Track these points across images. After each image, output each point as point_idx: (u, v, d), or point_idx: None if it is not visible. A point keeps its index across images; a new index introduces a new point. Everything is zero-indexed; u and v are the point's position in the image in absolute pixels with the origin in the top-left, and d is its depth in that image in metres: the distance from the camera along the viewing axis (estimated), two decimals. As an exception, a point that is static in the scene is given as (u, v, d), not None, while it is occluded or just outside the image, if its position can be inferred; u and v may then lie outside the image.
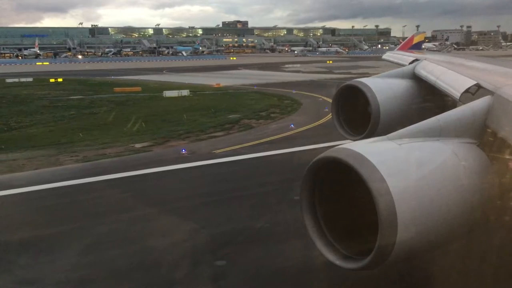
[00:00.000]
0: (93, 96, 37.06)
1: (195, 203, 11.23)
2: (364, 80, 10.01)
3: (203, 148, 17.12)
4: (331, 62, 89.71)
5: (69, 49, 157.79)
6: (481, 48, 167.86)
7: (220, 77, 56.74)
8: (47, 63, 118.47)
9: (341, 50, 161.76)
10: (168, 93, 35.82)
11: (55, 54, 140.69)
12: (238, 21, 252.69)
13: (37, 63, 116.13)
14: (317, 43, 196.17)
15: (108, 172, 13.93)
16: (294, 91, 36.01)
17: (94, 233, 9.26)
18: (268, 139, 18.38)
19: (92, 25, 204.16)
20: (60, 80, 55.60)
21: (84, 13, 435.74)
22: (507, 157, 4.86)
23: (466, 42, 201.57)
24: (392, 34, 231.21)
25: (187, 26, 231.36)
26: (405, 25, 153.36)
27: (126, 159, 15.86)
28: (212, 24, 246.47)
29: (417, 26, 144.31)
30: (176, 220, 10.10)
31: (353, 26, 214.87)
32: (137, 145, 17.78)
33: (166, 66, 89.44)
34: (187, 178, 13.75)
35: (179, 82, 49.50)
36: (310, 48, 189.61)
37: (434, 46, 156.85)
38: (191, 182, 13.25)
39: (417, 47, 24.76)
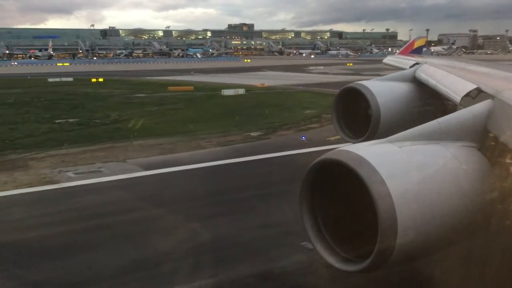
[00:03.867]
0: (154, 94, 39.71)
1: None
2: (364, 82, 10.17)
3: (315, 136, 19.83)
4: (351, 64, 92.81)
5: (86, 50, 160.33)
6: (489, 52, 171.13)
7: (254, 77, 59.32)
8: (68, 64, 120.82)
9: (351, 53, 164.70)
10: (226, 92, 38.50)
11: (74, 55, 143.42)
12: (244, 24, 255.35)
13: (58, 64, 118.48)
14: (327, 46, 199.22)
15: (253, 154, 16.62)
16: (342, 91, 38.61)
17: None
18: (363, 129, 21.11)
19: (110, 27, 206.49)
20: (101, 80, 57.80)
21: (88, 15, 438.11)
22: (508, 161, 4.85)
23: (472, 46, 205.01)
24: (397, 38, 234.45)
25: (190, 28, 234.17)
26: (412, 29, 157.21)
27: (255, 144, 18.60)
28: (215, 26, 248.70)
29: (427, 30, 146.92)
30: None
31: (364, 30, 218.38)
32: (252, 134, 20.52)
33: (187, 68, 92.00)
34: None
35: (220, 82, 52.12)
36: (318, 51, 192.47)
37: (443, 50, 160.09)
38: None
39: (418, 51, 25.05)
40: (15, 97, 36.89)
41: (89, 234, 9.65)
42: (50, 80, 57.51)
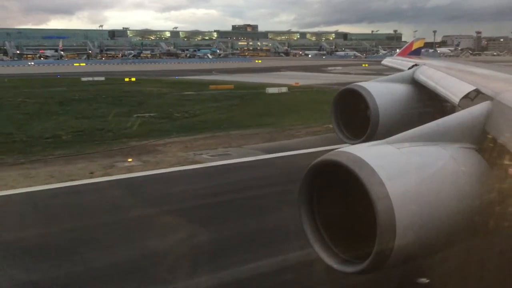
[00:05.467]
0: (202, 92, 41.87)
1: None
2: (363, 84, 10.21)
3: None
4: (367, 65, 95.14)
5: (101, 51, 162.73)
6: (495, 53, 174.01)
7: (281, 77, 61.70)
8: (84, 64, 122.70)
9: (359, 55, 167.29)
10: (270, 90, 40.77)
11: (88, 56, 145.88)
12: (248, 25, 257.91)
13: (74, 64, 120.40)
14: (334, 47, 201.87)
15: (347, 141, 18.89)
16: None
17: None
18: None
19: (124, 28, 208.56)
20: (133, 79, 59.70)
21: (90, 16, 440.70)
22: (506, 162, 4.86)
23: (477, 48, 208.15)
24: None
25: (191, 29, 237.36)
26: (416, 30, 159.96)
27: (341, 134, 20.84)
28: (217, 27, 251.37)
29: (434, 32, 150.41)
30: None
31: (372, 31, 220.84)
32: (331, 126, 22.72)
33: (204, 68, 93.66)
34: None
35: (253, 81, 54.35)
36: (324, 52, 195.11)
37: (449, 51, 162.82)
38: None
39: (417, 53, 25.13)
40: (78, 94, 39.07)
41: (263, 200, 11.71)
42: (83, 79, 59.13)
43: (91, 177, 13.89)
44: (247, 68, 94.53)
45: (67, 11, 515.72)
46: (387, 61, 16.62)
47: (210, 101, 34.54)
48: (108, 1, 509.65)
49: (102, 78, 60.87)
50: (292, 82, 49.99)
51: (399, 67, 12.73)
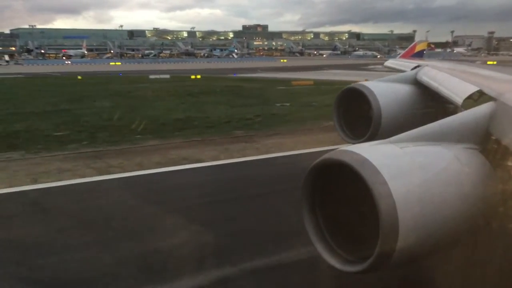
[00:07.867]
0: (290, 87, 45.81)
1: None
2: (366, 83, 10.20)
3: None
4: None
5: (132, 50, 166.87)
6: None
7: (335, 75, 65.24)
8: (119, 63, 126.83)
9: (377, 55, 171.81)
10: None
11: (121, 55, 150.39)
12: (258, 25, 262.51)
13: (110, 63, 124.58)
14: (350, 47, 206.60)
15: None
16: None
17: None
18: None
19: (154, 28, 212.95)
20: (198, 77, 63.15)
21: (96, 15, 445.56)
22: (510, 164, 4.86)
23: (489, 48, 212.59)
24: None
25: (197, 29, 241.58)
26: (428, 30, 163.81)
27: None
28: (222, 27, 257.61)
29: (452, 32, 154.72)
30: None
31: (392, 31, 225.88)
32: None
33: (243, 67, 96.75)
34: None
35: (319, 78, 57.96)
36: (338, 52, 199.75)
37: (465, 51, 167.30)
38: None
39: (419, 55, 25.13)
40: (186, 89, 42.58)
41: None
42: (151, 77, 60.93)
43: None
44: (283, 67, 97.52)
45: (73, 10, 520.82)
46: (390, 63, 16.70)
47: (316, 94, 37.52)
48: (114, 1, 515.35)
49: (167, 76, 62.86)
50: (357, 79, 53.73)
51: (402, 68, 12.78)
